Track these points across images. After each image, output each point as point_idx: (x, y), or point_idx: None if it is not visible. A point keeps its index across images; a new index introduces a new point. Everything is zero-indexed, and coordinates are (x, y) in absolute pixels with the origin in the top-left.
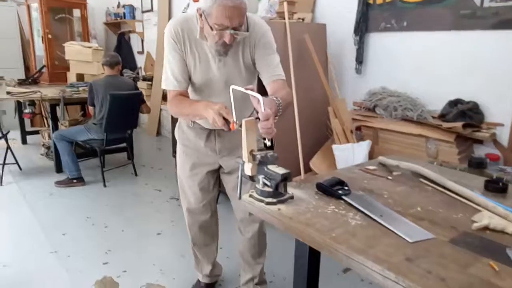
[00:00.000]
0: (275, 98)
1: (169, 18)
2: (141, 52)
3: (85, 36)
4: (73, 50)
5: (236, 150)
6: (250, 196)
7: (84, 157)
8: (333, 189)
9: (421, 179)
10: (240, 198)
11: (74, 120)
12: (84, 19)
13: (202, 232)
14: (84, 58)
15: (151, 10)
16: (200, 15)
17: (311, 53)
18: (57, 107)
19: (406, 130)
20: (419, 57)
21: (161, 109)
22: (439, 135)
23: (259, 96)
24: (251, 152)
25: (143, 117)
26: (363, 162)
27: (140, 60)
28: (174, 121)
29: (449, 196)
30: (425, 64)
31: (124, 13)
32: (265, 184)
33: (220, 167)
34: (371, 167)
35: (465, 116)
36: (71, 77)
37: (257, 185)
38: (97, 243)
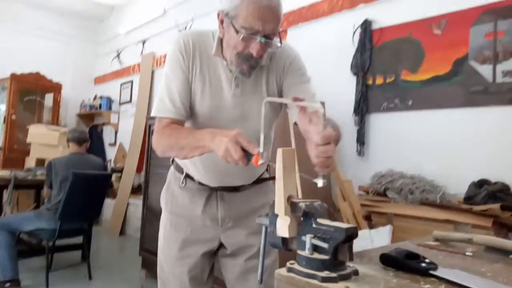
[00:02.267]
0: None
1: (149, 109)
2: (113, 144)
3: (55, 122)
4: (37, 132)
5: (244, 221)
6: (290, 270)
7: (26, 256)
8: (411, 262)
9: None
10: (261, 281)
11: None
12: (56, 103)
13: None
14: (49, 142)
15: (130, 101)
16: (221, 22)
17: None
18: (4, 190)
19: (428, 215)
20: (430, 137)
21: (128, 204)
22: (471, 220)
23: (318, 106)
24: (289, 200)
25: (105, 214)
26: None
27: (111, 152)
28: (145, 216)
29: None
30: (439, 144)
31: (100, 104)
32: (315, 250)
33: (221, 246)
34: (430, 243)
35: (496, 198)
36: (30, 162)
37: (300, 252)
38: None
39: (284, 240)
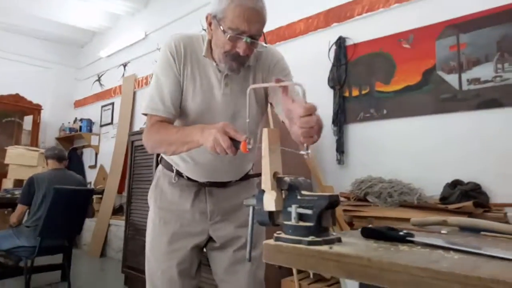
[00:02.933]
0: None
1: (130, 130)
2: (94, 166)
3: (34, 144)
4: (16, 153)
5: (232, 214)
6: (277, 239)
7: (2, 277)
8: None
9: (483, 233)
10: (250, 259)
11: None
12: (36, 124)
13: None
14: (28, 162)
15: (111, 123)
16: (210, 24)
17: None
18: None
19: (407, 216)
20: (405, 143)
21: (109, 225)
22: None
23: (300, 83)
24: (275, 176)
25: (85, 237)
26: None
27: (91, 175)
28: (127, 233)
29: None
30: (414, 149)
31: (80, 127)
32: (300, 219)
33: (209, 240)
34: (409, 227)
35: (469, 197)
36: (7, 183)
37: (286, 223)
38: None
39: (271, 214)
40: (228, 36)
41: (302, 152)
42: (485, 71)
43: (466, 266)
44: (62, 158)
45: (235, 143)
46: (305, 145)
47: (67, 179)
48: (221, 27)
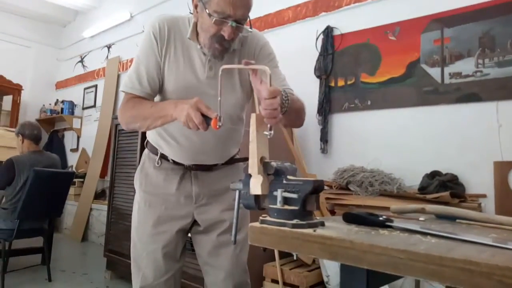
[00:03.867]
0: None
1: (114, 113)
2: (75, 150)
3: (13, 126)
4: None
5: (218, 198)
6: (263, 222)
7: None
8: (370, 217)
9: (458, 220)
10: (235, 242)
11: None
12: (15, 105)
13: None
14: (7, 143)
15: (94, 106)
16: (196, 6)
17: (280, 127)
18: None
19: (387, 205)
20: (388, 134)
21: (91, 209)
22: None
23: (265, 67)
24: (261, 160)
25: (67, 220)
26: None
27: (72, 158)
28: (110, 217)
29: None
30: (395, 140)
31: (62, 109)
32: (285, 203)
33: (194, 223)
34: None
35: (446, 188)
36: None
37: (271, 206)
38: None
39: (257, 198)
40: (214, 19)
41: (265, 133)
42: (466, 66)
43: (442, 249)
44: (40, 139)
45: (206, 119)
46: (268, 125)
47: (49, 163)
48: (207, 10)
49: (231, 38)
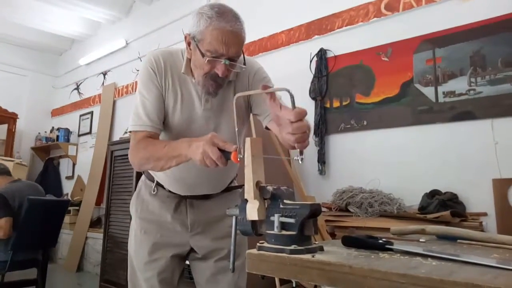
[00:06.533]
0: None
1: (110, 138)
2: (71, 177)
3: (8, 155)
4: None
5: (214, 226)
6: (260, 248)
7: None
8: (370, 240)
9: (459, 240)
10: (233, 270)
11: None
12: (10, 134)
13: None
14: None
15: (89, 133)
16: (189, 44)
17: (276, 147)
18: None
19: (387, 225)
20: (385, 153)
21: (86, 238)
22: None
23: (287, 88)
24: (257, 185)
25: (62, 250)
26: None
27: (68, 186)
28: (106, 245)
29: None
30: (393, 160)
31: (57, 136)
32: (283, 228)
33: (191, 250)
34: (389, 236)
35: (447, 207)
36: None
37: (269, 232)
38: None
39: (254, 224)
40: (207, 59)
41: (296, 158)
42: (459, 85)
43: (443, 272)
44: (5, 172)
45: (224, 154)
46: (298, 150)
47: (31, 189)
48: (200, 49)
49: (225, 76)
